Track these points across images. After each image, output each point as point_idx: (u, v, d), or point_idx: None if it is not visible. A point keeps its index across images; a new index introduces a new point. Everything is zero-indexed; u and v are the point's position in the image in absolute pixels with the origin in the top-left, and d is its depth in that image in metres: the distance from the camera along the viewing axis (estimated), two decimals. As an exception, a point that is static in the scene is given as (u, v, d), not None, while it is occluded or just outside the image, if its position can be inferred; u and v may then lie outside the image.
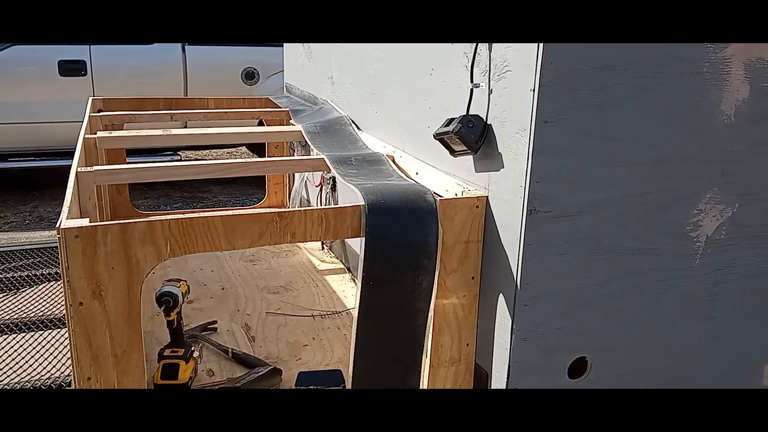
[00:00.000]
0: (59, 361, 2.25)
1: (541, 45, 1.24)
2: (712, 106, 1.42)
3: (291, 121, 2.35)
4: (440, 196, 1.56)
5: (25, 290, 2.81)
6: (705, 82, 1.39)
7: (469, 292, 1.48)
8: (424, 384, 1.52)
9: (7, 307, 2.65)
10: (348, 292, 2.25)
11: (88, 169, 1.68)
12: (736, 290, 1.59)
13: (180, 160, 5.14)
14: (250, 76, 5.06)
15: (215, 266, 2.45)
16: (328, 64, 2.42)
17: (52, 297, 2.76)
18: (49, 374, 2.15)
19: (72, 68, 4.68)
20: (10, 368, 2.19)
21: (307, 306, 2.12)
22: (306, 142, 2.09)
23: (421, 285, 1.37)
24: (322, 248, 2.64)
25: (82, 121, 2.32)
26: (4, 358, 2.25)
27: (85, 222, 1.19)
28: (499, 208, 1.41)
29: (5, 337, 2.39)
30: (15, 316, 2.55)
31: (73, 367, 1.24)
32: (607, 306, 1.47)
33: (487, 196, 1.44)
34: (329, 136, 2.05)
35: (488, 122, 1.42)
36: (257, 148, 5.82)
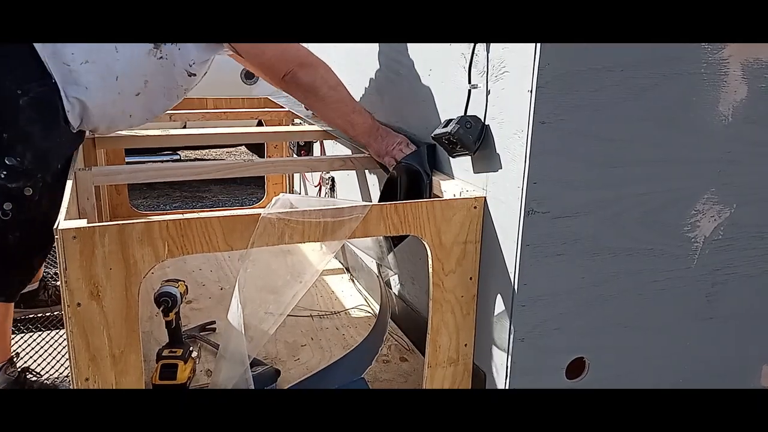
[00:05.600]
0: (58, 361, 2.25)
1: (539, 46, 1.24)
2: (709, 107, 1.42)
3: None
4: (438, 197, 1.57)
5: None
6: (702, 83, 1.39)
7: (467, 292, 1.48)
8: (422, 384, 1.52)
9: (6, 307, 2.64)
10: (347, 292, 2.25)
11: (87, 169, 1.68)
12: (734, 291, 1.59)
13: (179, 160, 5.14)
14: (249, 75, 5.05)
15: (214, 266, 2.45)
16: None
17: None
18: (47, 374, 2.15)
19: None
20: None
21: (305, 306, 2.12)
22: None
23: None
24: (321, 248, 2.63)
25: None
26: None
27: (82, 223, 1.19)
28: (496, 209, 1.41)
29: (4, 337, 2.39)
30: (14, 317, 2.54)
31: (71, 367, 1.24)
32: (605, 306, 1.47)
33: (485, 197, 1.44)
34: None
35: (486, 123, 1.42)
36: (257, 148, 5.81)
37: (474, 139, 1.42)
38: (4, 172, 1.61)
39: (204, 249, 1.26)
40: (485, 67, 1.40)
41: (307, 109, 1.97)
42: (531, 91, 1.26)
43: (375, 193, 2.11)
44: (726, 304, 1.60)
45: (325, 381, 1.65)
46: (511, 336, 1.40)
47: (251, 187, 5.36)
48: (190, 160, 5.85)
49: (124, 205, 2.84)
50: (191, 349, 1.70)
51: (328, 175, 2.50)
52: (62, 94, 1.64)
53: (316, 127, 2.26)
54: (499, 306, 1.43)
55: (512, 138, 1.33)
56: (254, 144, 5.76)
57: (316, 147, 2.63)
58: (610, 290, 1.46)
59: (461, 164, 1.52)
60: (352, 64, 2.15)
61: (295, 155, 2.75)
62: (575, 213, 1.37)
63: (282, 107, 2.81)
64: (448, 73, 1.56)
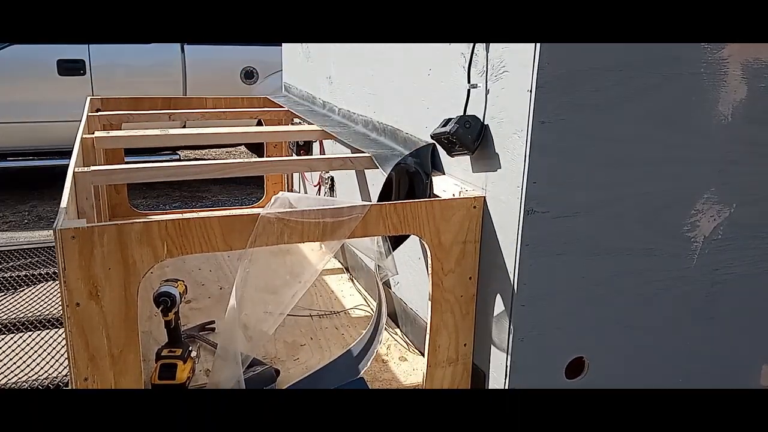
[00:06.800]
0: (57, 361, 2.24)
1: (539, 46, 1.23)
2: (709, 107, 1.42)
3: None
4: (438, 196, 1.56)
5: (23, 290, 2.81)
6: (703, 83, 1.39)
7: (466, 292, 1.48)
8: (422, 384, 1.52)
9: (6, 307, 2.65)
10: (346, 292, 2.25)
11: (85, 169, 1.68)
12: (734, 290, 1.59)
13: (179, 160, 5.14)
14: (249, 75, 5.06)
15: (213, 266, 2.45)
16: (326, 64, 2.42)
17: (51, 297, 2.75)
18: (46, 374, 2.15)
19: (71, 67, 4.68)
20: (8, 368, 2.19)
21: (305, 306, 2.12)
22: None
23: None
24: (321, 248, 2.63)
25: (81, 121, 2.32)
26: (1, 358, 2.25)
27: (81, 223, 1.18)
28: (496, 209, 1.41)
29: (3, 336, 2.39)
30: (13, 316, 2.54)
31: (70, 367, 1.23)
32: (605, 306, 1.47)
33: (484, 197, 1.44)
34: None
35: (485, 123, 1.41)
36: (256, 148, 5.82)
37: (473, 138, 1.42)
38: None
39: (203, 249, 1.26)
40: (485, 67, 1.40)
41: None
42: (530, 91, 1.26)
43: (374, 192, 2.10)
44: (726, 304, 1.60)
45: (322, 381, 1.65)
46: (511, 336, 1.40)
47: (251, 187, 5.37)
48: (190, 160, 5.85)
49: (123, 205, 2.84)
50: (190, 348, 1.70)
51: (327, 175, 2.49)
52: None
53: (315, 127, 2.26)
54: (499, 306, 1.42)
55: (512, 137, 1.33)
56: (254, 144, 5.77)
57: (316, 146, 2.63)
58: (610, 290, 1.46)
59: (460, 164, 1.52)
60: (352, 63, 2.15)
61: (294, 155, 2.75)
62: (575, 213, 1.37)
63: (281, 107, 2.80)
64: (447, 72, 1.56)
